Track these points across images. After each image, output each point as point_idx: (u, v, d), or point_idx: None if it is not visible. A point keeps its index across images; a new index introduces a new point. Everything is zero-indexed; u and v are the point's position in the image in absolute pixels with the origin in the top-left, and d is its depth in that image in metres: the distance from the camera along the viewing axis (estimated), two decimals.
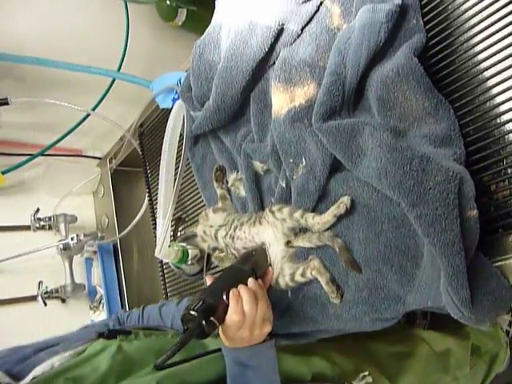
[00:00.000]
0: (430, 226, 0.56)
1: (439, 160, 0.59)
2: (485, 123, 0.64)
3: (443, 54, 0.69)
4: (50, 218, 1.42)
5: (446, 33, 0.68)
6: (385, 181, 0.61)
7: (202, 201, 1.08)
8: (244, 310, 0.67)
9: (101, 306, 1.45)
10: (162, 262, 1.28)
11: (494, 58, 0.63)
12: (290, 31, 0.79)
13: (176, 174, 1.01)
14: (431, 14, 0.70)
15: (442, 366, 0.96)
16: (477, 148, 0.64)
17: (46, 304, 1.34)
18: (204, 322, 0.63)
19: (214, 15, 0.93)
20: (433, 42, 0.69)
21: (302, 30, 0.79)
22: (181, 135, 1.03)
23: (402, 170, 0.59)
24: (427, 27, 0.70)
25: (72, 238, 1.34)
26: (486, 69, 0.64)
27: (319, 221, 0.73)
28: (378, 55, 0.69)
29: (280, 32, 0.79)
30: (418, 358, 0.94)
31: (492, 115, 0.64)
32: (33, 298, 1.36)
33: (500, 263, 0.60)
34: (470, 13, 0.66)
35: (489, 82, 0.64)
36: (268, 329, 0.70)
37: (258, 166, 0.89)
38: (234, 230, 0.85)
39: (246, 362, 0.70)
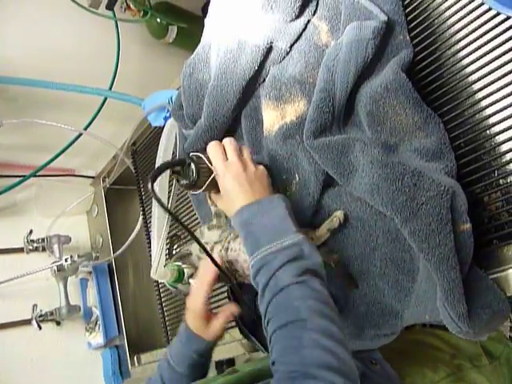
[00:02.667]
0: (423, 242, 0.56)
1: (431, 174, 0.59)
2: (475, 135, 0.64)
3: (431, 68, 0.69)
4: (43, 240, 1.41)
5: (433, 47, 0.69)
6: (377, 197, 0.61)
7: (197, 218, 1.08)
8: (226, 150, 0.69)
9: (97, 327, 1.42)
10: (157, 281, 1.27)
11: (482, 70, 0.64)
12: (279, 49, 0.80)
13: (170, 192, 1.00)
14: (418, 29, 0.71)
15: (453, 354, 0.94)
16: (468, 160, 0.64)
17: (40, 327, 1.32)
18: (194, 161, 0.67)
19: (203, 34, 0.94)
20: (420, 56, 0.70)
21: (291, 47, 0.80)
22: (174, 153, 1.03)
23: (394, 185, 0.59)
24: (414, 42, 0.70)
25: (66, 259, 1.32)
26: (475, 82, 0.65)
27: (313, 236, 0.73)
28: (366, 71, 0.69)
29: (269, 50, 0.80)
30: (428, 346, 0.92)
31: (482, 127, 0.64)
32: (27, 322, 1.34)
33: (496, 275, 0.60)
34: (457, 27, 0.67)
35: (478, 94, 0.65)
36: (263, 171, 0.70)
37: None
38: (228, 243, 0.85)
39: (250, 220, 0.64)
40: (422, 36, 0.70)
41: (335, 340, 0.51)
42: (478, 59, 0.64)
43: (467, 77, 0.66)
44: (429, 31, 0.70)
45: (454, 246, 0.55)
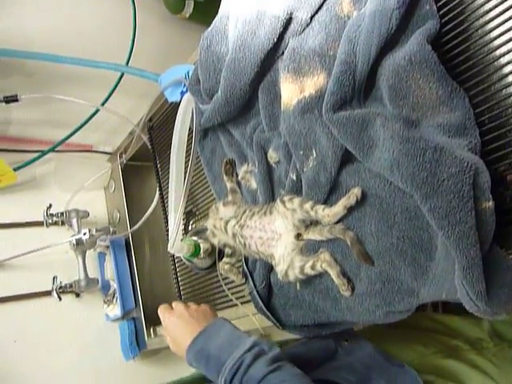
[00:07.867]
0: (443, 219, 0.55)
1: (453, 150, 0.57)
2: (501, 112, 0.62)
3: (457, 40, 0.66)
4: (62, 214, 1.43)
5: (461, 18, 0.66)
6: (397, 173, 0.59)
7: (213, 194, 1.08)
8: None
9: (114, 299, 1.45)
10: (173, 255, 1.28)
11: (510, 43, 0.61)
12: (299, 20, 0.77)
13: (186, 168, 1.00)
14: None
15: (451, 336, 0.93)
16: (492, 137, 0.62)
17: (60, 298, 1.35)
18: None
19: (220, 6, 0.92)
20: (447, 28, 0.67)
21: (311, 18, 0.77)
22: (190, 129, 1.03)
23: (415, 161, 0.57)
24: (441, 13, 0.67)
25: (84, 233, 1.34)
26: (503, 55, 0.62)
27: (329, 212, 0.72)
28: (390, 43, 0.67)
29: (288, 21, 0.78)
30: (423, 329, 0.92)
31: (508, 103, 0.61)
32: (47, 293, 1.37)
33: None
34: None
35: (505, 68, 0.62)
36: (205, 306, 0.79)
37: (272, 155, 0.87)
38: (245, 220, 0.85)
39: (204, 347, 0.68)
40: (449, 6, 0.67)
41: None
42: (507, 31, 0.61)
43: (495, 50, 0.63)
44: (456, 1, 0.66)
45: (474, 223, 0.54)
